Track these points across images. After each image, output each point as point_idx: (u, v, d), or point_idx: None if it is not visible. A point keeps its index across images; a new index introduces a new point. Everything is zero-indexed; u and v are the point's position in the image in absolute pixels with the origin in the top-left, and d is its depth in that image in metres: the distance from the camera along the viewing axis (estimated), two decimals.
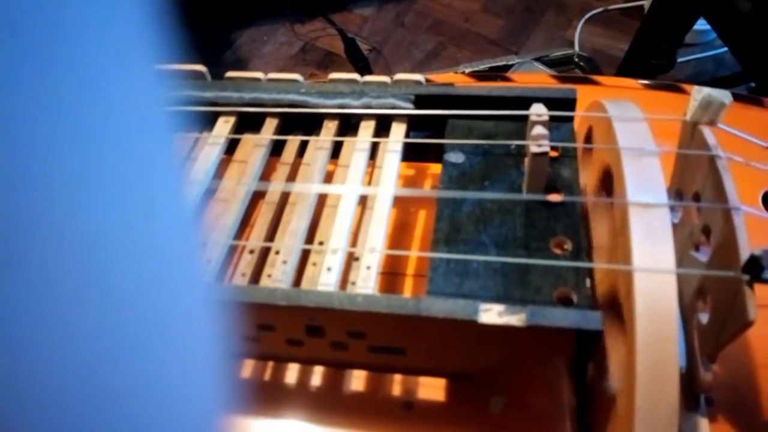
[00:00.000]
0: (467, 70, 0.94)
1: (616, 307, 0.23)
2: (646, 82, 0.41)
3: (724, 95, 0.25)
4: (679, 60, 0.98)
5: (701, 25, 0.89)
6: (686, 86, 0.41)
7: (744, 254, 0.21)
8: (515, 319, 0.22)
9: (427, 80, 0.33)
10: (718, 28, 0.83)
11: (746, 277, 0.21)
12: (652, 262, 0.22)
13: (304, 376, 0.29)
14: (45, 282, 0.08)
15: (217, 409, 0.13)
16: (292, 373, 0.29)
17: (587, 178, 0.30)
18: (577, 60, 0.97)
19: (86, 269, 0.09)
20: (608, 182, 0.26)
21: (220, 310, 0.14)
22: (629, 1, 1.19)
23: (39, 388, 0.09)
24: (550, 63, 0.96)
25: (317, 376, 0.29)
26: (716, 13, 0.81)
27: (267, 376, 0.29)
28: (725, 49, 1.00)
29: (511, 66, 0.94)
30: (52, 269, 0.08)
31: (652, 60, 0.91)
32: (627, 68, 0.94)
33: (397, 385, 0.28)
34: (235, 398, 0.26)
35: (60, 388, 0.09)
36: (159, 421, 0.11)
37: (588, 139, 0.29)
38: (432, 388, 0.27)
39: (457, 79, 0.43)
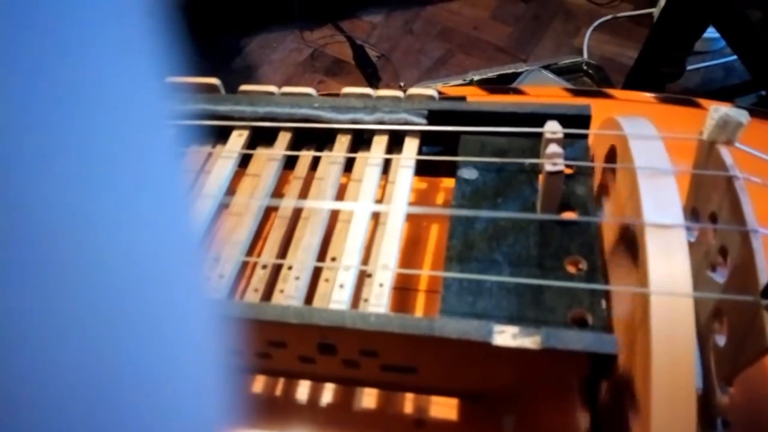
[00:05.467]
0: (476, 78, 0.94)
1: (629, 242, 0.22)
2: (659, 95, 0.41)
3: (741, 114, 0.25)
4: (689, 68, 0.97)
5: (711, 33, 0.89)
6: (700, 100, 0.40)
7: (763, 278, 0.21)
8: (530, 341, 0.22)
9: (440, 93, 0.33)
10: (728, 36, 0.83)
11: (765, 302, 0.21)
12: (669, 285, 0.21)
13: (315, 393, 0.29)
14: (51, 293, 0.08)
15: (222, 423, 0.13)
16: (303, 389, 0.29)
17: (613, 199, 0.29)
18: (585, 68, 0.97)
19: (93, 283, 0.09)
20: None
21: (227, 326, 0.14)
22: (638, 8, 1.19)
23: (43, 399, 0.09)
24: (558, 71, 0.96)
25: (328, 392, 0.28)
26: (726, 21, 0.81)
27: (278, 391, 0.29)
28: (735, 57, 1.00)
29: (520, 74, 0.94)
30: (59, 281, 0.08)
31: (661, 68, 0.90)
32: (636, 76, 0.94)
33: (408, 402, 0.28)
34: (244, 413, 0.26)
35: (64, 400, 0.09)
36: None
37: (611, 157, 0.29)
38: (444, 407, 0.27)
39: (468, 91, 0.43)
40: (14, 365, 0.08)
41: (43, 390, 0.09)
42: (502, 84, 0.91)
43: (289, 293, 0.26)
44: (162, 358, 0.11)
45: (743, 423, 0.26)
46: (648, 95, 0.41)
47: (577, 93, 0.42)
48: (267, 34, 1.16)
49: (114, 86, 0.09)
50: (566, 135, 0.27)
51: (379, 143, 0.31)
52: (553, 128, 0.27)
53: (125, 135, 0.09)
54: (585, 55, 1.10)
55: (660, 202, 0.23)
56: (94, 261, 0.09)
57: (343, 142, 0.32)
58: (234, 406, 0.13)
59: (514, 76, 0.94)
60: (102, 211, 0.09)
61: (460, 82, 0.92)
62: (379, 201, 0.29)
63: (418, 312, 0.31)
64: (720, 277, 0.25)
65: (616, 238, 0.27)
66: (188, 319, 0.12)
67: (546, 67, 0.96)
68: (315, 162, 0.32)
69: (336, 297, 0.25)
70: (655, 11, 1.13)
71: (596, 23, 1.16)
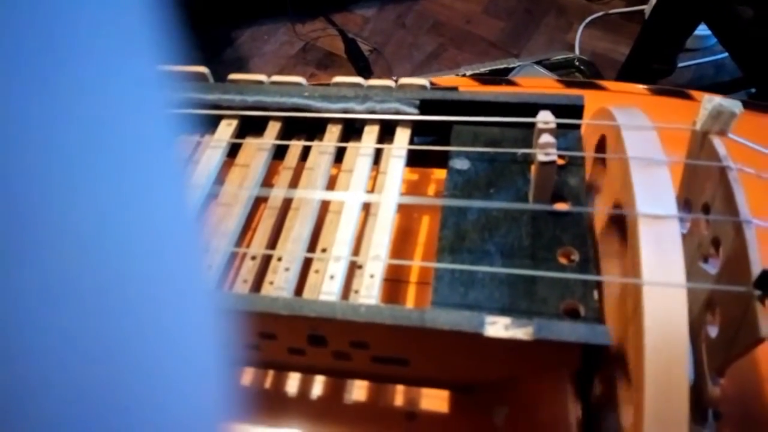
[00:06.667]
0: (468, 73, 0.94)
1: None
2: (651, 87, 0.41)
3: (734, 105, 0.25)
4: (680, 65, 0.98)
5: (702, 30, 0.89)
6: (692, 92, 0.40)
7: (756, 269, 0.21)
8: (522, 332, 0.21)
9: (432, 84, 0.32)
10: (719, 33, 0.83)
11: (758, 293, 0.20)
12: (662, 276, 0.21)
13: (305, 385, 0.28)
14: (44, 286, 0.08)
15: (218, 416, 0.13)
16: (293, 381, 0.28)
17: (604, 188, 0.29)
18: (577, 64, 0.97)
19: (86, 273, 0.09)
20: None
21: (222, 317, 0.14)
22: (630, 5, 1.19)
23: (39, 393, 0.09)
24: (550, 66, 0.96)
25: (319, 385, 0.28)
26: (717, 18, 0.81)
27: (268, 384, 0.28)
28: (726, 54, 1.00)
29: (512, 69, 0.94)
30: (52, 273, 0.08)
31: (652, 64, 0.91)
32: (627, 72, 0.94)
33: (399, 395, 0.27)
34: (236, 406, 0.26)
35: (60, 393, 0.09)
36: (159, 428, 0.11)
37: (601, 148, 0.29)
38: (435, 399, 0.27)
39: (461, 82, 0.43)
40: (13, 357, 0.08)
41: (41, 381, 0.08)
42: None
43: (279, 284, 0.26)
44: (161, 350, 0.11)
45: (734, 414, 0.26)
46: (640, 87, 0.41)
47: (569, 85, 0.41)
48: (259, 27, 1.15)
49: (107, 76, 0.09)
50: (559, 125, 0.27)
51: (370, 133, 0.31)
52: (545, 118, 0.27)
53: (119, 124, 0.09)
54: (577, 51, 1.10)
55: (653, 193, 0.23)
56: (92, 253, 0.09)
57: (333, 131, 0.31)
58: (231, 398, 0.13)
59: (506, 71, 0.94)
60: (99, 202, 0.09)
61: (453, 76, 0.92)
62: (370, 191, 0.29)
63: (409, 303, 0.30)
64: (712, 268, 0.25)
65: (607, 225, 0.27)
66: (188, 310, 0.12)
67: (538, 63, 0.96)
68: (305, 152, 0.31)
69: (326, 288, 0.25)
70: (647, 8, 1.13)
71: (588, 19, 1.16)
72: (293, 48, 1.13)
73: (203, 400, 0.12)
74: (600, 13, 1.18)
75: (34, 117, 0.07)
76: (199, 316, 0.12)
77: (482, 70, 0.95)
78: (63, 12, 0.08)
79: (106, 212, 0.09)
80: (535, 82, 0.45)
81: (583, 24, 1.15)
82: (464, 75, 0.92)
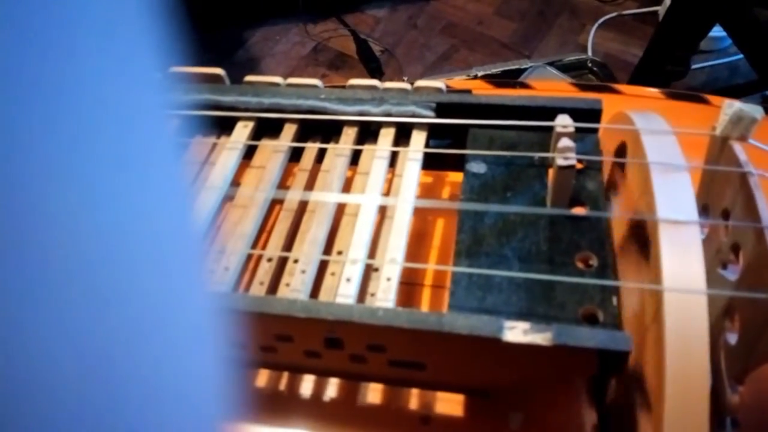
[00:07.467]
0: (480, 74, 0.93)
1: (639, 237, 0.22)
2: (667, 90, 0.41)
3: (756, 110, 0.25)
4: (694, 67, 0.97)
5: (716, 32, 0.88)
6: (708, 96, 0.40)
7: None
8: (540, 337, 0.21)
9: (447, 87, 0.32)
10: (735, 35, 0.83)
11: None
12: (682, 282, 0.21)
13: (319, 388, 0.28)
14: (47, 288, 0.08)
15: (225, 417, 0.13)
16: (307, 384, 0.28)
17: (622, 196, 0.29)
18: (590, 65, 0.96)
19: (94, 277, 0.09)
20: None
21: (227, 319, 0.14)
22: (643, 6, 1.18)
23: (41, 394, 0.09)
24: (563, 68, 0.95)
25: (333, 387, 0.28)
26: (733, 20, 0.80)
27: (282, 386, 0.29)
28: (740, 56, 0.99)
29: (524, 70, 0.93)
30: (57, 275, 0.08)
31: (666, 66, 0.90)
32: (641, 74, 0.93)
33: (414, 398, 0.27)
34: (247, 407, 0.26)
35: (62, 394, 0.09)
36: (162, 429, 0.11)
37: (620, 154, 0.29)
38: (450, 403, 0.27)
39: (474, 84, 0.43)
40: (15, 360, 0.08)
41: (43, 385, 0.08)
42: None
43: (295, 287, 0.26)
44: (164, 352, 0.11)
45: (753, 423, 0.26)
46: (655, 90, 0.40)
47: (584, 88, 0.41)
48: (270, 27, 1.16)
49: (115, 78, 0.09)
50: (577, 129, 0.27)
51: (386, 136, 0.31)
52: (564, 122, 0.26)
53: (126, 127, 0.09)
54: (589, 53, 1.09)
55: (674, 198, 0.23)
56: (95, 255, 0.09)
57: (349, 134, 0.31)
58: (236, 400, 0.13)
59: (519, 72, 0.94)
60: (102, 205, 0.09)
61: (464, 77, 0.91)
62: (386, 194, 0.29)
63: (424, 307, 0.30)
64: (731, 274, 0.24)
65: (625, 234, 0.27)
66: (190, 312, 0.12)
67: (550, 64, 0.95)
68: (321, 154, 0.31)
69: (342, 291, 0.25)
70: (660, 9, 1.13)
71: (601, 20, 1.16)
72: (305, 48, 1.13)
73: (205, 401, 0.12)
74: (613, 15, 1.17)
75: (40, 120, 0.08)
76: (200, 318, 0.12)
77: (494, 71, 0.94)
78: (71, 16, 0.08)
79: (109, 216, 0.09)
80: (549, 85, 0.45)
81: (596, 25, 1.15)
82: (476, 76, 0.92)
